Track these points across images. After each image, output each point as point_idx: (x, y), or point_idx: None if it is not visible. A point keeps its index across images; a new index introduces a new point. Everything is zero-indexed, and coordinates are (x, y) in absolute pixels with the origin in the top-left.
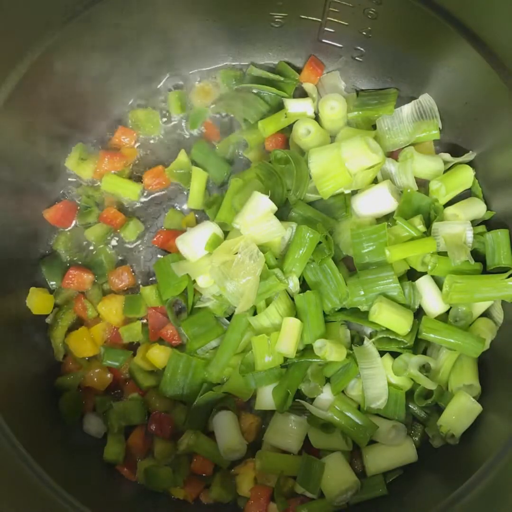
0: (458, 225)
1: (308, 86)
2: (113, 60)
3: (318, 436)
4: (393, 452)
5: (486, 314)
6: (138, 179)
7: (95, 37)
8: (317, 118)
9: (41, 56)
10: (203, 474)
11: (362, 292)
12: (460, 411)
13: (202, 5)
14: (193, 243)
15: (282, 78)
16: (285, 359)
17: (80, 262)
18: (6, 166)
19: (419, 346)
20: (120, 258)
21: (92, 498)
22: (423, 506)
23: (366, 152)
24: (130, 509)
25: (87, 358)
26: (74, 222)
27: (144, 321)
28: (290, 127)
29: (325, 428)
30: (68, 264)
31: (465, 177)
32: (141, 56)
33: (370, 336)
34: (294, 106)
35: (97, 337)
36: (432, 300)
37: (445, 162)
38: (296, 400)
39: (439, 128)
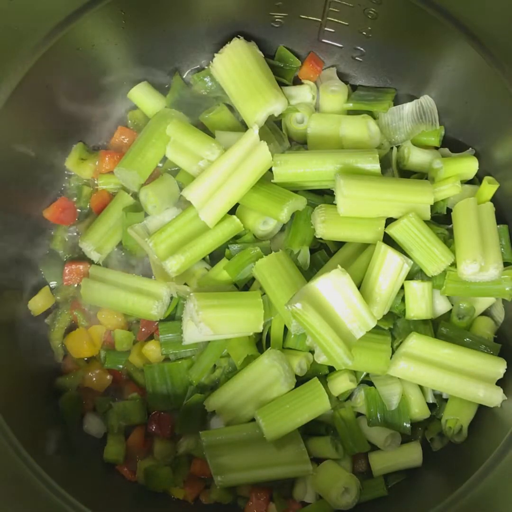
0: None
1: (307, 84)
2: (114, 60)
3: (312, 445)
4: (400, 454)
5: (487, 313)
6: None
7: (96, 38)
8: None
9: (41, 57)
10: (203, 476)
11: None
12: (462, 400)
13: (203, 5)
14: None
15: (281, 64)
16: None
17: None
18: (6, 166)
19: None
20: None
21: (92, 498)
22: (423, 507)
23: (363, 134)
24: (130, 509)
25: (86, 359)
26: (75, 219)
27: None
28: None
29: (317, 435)
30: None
31: (469, 166)
32: (142, 56)
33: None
34: (293, 93)
35: (96, 338)
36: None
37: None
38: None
39: (441, 135)
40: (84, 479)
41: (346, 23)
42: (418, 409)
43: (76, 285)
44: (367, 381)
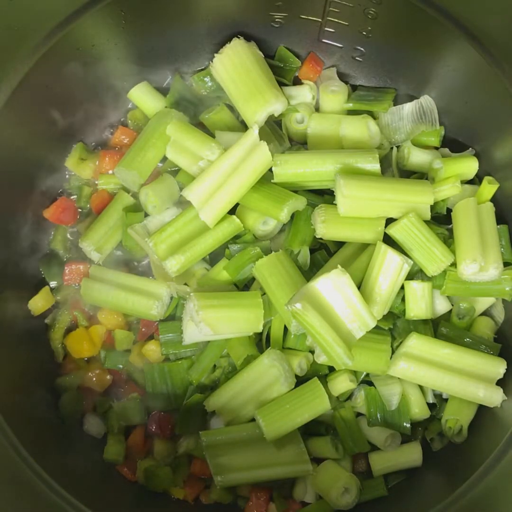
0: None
1: (307, 84)
2: (114, 60)
3: (312, 445)
4: (400, 454)
5: (487, 313)
6: None
7: (96, 38)
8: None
9: (41, 57)
10: (203, 476)
11: None
12: (462, 400)
13: (203, 5)
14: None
15: (281, 64)
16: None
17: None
18: (6, 166)
19: None
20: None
21: (92, 498)
22: (423, 507)
23: (363, 134)
24: (130, 509)
25: (86, 359)
26: (75, 219)
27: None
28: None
29: (317, 435)
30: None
31: (469, 166)
32: (142, 56)
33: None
34: (293, 93)
35: (96, 338)
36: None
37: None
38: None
39: (441, 135)
40: (84, 479)
41: (346, 23)
42: (418, 409)
43: (76, 285)
44: (367, 381)
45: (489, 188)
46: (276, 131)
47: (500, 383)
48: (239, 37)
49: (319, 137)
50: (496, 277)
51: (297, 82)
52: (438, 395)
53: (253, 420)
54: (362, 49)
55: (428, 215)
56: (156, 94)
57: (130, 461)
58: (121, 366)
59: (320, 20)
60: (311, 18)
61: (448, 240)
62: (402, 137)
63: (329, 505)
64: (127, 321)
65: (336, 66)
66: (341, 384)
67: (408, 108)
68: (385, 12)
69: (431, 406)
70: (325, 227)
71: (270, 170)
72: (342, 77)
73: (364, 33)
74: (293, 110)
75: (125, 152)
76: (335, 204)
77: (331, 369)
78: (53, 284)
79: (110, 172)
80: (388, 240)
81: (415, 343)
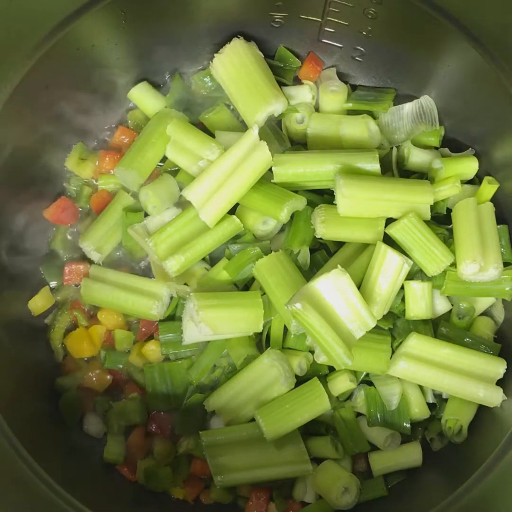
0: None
1: (307, 84)
2: (114, 60)
3: (312, 445)
4: (400, 454)
5: (487, 313)
6: None
7: (96, 38)
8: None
9: (41, 57)
10: (203, 476)
11: None
12: (462, 400)
13: (203, 5)
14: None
15: (281, 64)
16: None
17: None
18: (6, 166)
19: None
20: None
21: (92, 498)
22: (423, 507)
23: (363, 134)
24: (130, 509)
25: (86, 359)
26: (75, 219)
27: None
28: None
29: (317, 435)
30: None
31: (469, 166)
32: (142, 56)
33: None
34: (293, 93)
35: (96, 338)
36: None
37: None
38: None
39: (440, 136)
40: (84, 479)
41: (346, 23)
42: (418, 409)
43: (76, 285)
44: (367, 381)
45: (489, 188)
46: (276, 131)
47: (500, 383)
48: (239, 37)
49: (319, 137)
50: (496, 277)
51: (297, 82)
52: (438, 395)
53: (253, 420)
54: (362, 49)
55: (428, 215)
56: (156, 94)
57: (130, 461)
58: (121, 366)
59: (320, 20)
60: (311, 18)
61: (448, 240)
62: (402, 137)
63: (329, 505)
64: (127, 321)
65: (336, 66)
66: (341, 384)
67: (408, 108)
68: (385, 12)
69: (431, 406)
70: (325, 227)
71: (270, 170)
72: (342, 77)
73: (364, 33)
74: (293, 110)
75: (125, 152)
76: (335, 204)
77: (331, 369)
78: (53, 284)
79: (111, 172)
80: (388, 240)
81: (415, 343)
